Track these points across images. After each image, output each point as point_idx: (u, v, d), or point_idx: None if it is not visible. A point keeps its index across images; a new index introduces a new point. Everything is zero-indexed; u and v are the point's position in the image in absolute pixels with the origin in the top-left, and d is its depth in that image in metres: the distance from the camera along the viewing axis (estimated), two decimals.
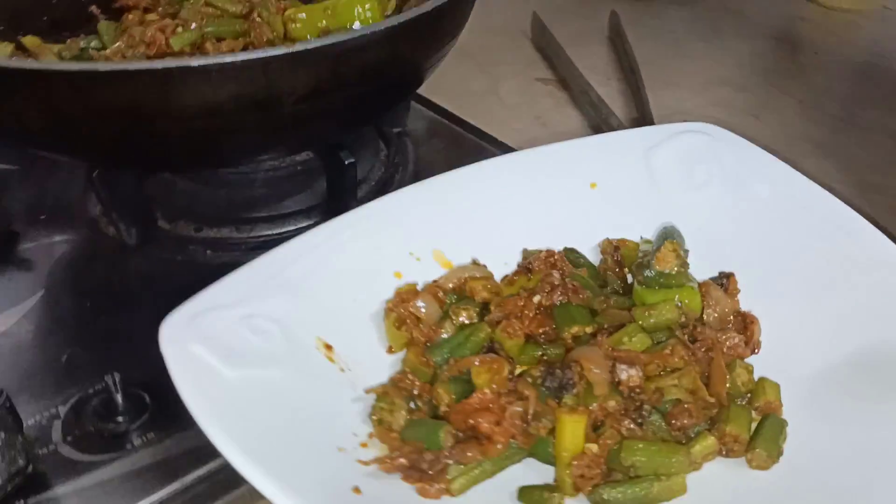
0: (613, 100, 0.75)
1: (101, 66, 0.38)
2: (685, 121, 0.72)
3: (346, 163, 0.52)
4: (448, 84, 0.79)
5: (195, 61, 0.39)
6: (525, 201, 0.45)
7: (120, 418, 0.43)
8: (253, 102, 0.42)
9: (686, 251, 0.42)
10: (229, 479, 0.41)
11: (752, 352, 0.39)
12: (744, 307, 0.41)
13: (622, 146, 0.46)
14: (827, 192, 0.41)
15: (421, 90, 0.74)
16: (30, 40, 0.57)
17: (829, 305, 0.38)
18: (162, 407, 0.44)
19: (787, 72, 0.83)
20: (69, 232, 0.58)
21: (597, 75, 0.80)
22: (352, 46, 0.42)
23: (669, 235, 0.42)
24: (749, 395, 0.37)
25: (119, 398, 0.43)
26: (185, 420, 0.42)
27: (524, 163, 0.46)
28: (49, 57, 0.56)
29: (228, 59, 0.39)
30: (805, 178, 0.42)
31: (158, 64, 0.39)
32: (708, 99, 0.78)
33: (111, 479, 0.41)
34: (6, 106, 0.41)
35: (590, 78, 0.79)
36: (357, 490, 0.32)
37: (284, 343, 0.36)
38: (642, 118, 0.70)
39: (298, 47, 0.40)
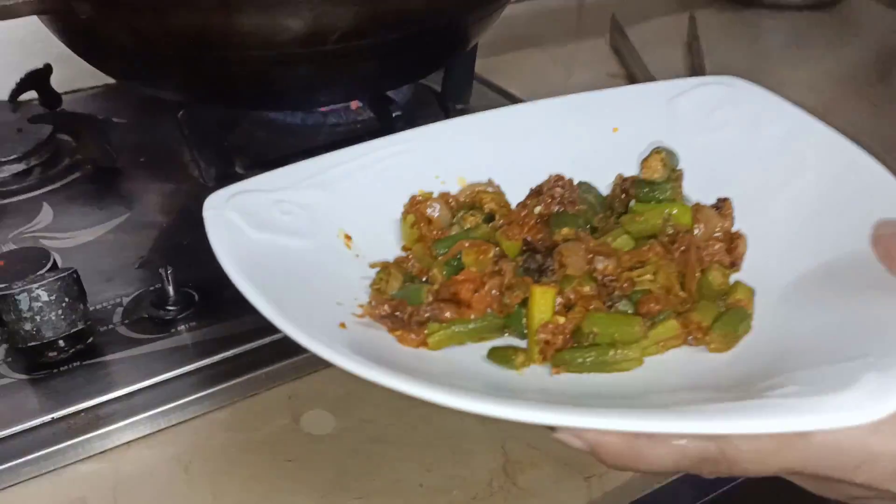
0: None
1: None
2: None
3: (394, 115, 0.58)
4: (520, 74, 0.84)
5: None
6: (549, 142, 0.48)
7: (170, 308, 0.50)
8: (299, 35, 0.48)
9: (679, 169, 0.44)
10: (250, 362, 0.48)
11: (733, 265, 0.40)
12: (737, 229, 0.42)
13: (647, 95, 0.48)
14: (833, 130, 0.42)
15: (492, 76, 0.80)
16: None
17: (815, 226, 0.39)
18: (207, 304, 0.51)
19: (886, 87, 0.82)
20: (160, 172, 0.66)
21: (667, 74, 0.82)
22: None
23: (659, 149, 0.44)
24: (724, 297, 0.39)
25: (171, 290, 0.50)
26: (221, 315, 0.50)
27: (552, 108, 0.49)
28: None
29: None
30: (815, 119, 0.43)
31: None
32: None
33: (154, 353, 0.48)
34: (103, 30, 0.49)
35: (658, 77, 0.81)
36: (343, 325, 0.36)
37: (308, 224, 0.41)
38: None
39: None
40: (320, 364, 0.46)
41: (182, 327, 0.50)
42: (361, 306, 0.39)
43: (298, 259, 0.39)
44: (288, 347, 0.47)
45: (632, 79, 0.81)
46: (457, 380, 0.35)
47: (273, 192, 0.42)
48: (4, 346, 0.47)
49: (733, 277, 0.40)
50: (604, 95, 0.50)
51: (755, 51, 0.90)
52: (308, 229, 0.41)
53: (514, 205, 0.46)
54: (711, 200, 0.44)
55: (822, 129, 0.43)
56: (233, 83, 0.52)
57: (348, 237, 0.43)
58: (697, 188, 0.45)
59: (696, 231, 0.41)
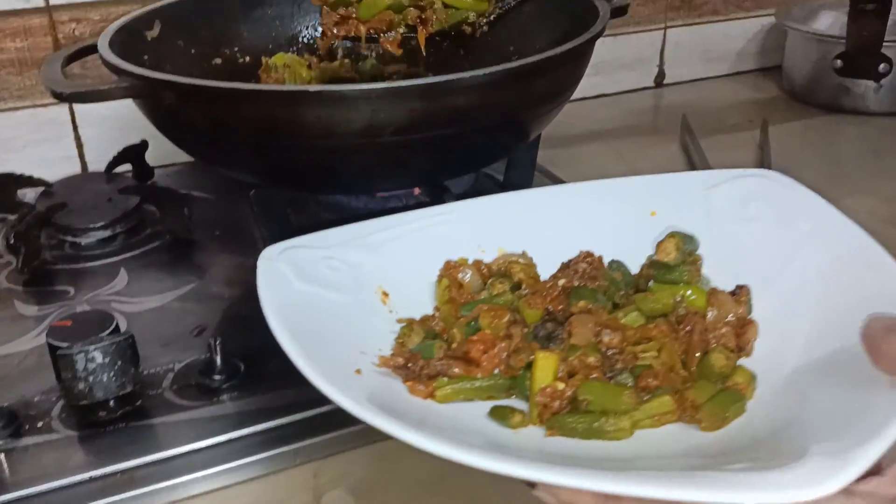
0: None
1: (243, 86, 0.50)
2: None
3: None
4: (584, 167, 0.86)
5: (312, 88, 0.49)
6: (588, 221, 0.50)
7: (216, 377, 0.53)
8: (358, 127, 0.51)
9: (697, 255, 0.46)
10: (281, 436, 0.49)
11: (741, 349, 0.41)
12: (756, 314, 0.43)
13: (686, 183, 0.50)
14: (860, 229, 0.43)
15: (556, 168, 0.82)
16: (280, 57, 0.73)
17: (830, 318, 0.39)
18: (251, 375, 0.53)
19: None
20: (231, 246, 0.70)
21: None
22: (440, 90, 0.50)
23: (674, 233, 0.46)
24: (724, 379, 0.39)
25: (218, 360, 0.53)
26: (264, 387, 0.52)
27: (594, 189, 0.52)
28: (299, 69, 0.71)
29: (336, 88, 0.49)
30: (843, 215, 0.44)
31: (286, 88, 0.50)
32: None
33: (194, 420, 0.50)
34: (183, 115, 0.54)
35: None
36: (358, 371, 0.39)
37: (350, 280, 0.44)
38: None
39: (395, 84, 0.49)
40: (347, 444, 0.48)
41: (225, 396, 0.52)
42: (381, 357, 0.42)
43: (335, 310, 0.42)
44: (319, 425, 0.49)
45: None
46: (454, 432, 0.37)
47: (323, 249, 0.46)
48: (61, 402, 0.50)
49: (745, 362, 0.41)
50: (645, 181, 0.52)
51: (830, 157, 0.89)
52: (349, 285, 0.44)
53: (546, 277, 0.48)
54: (732, 283, 0.45)
55: (851, 227, 0.43)
56: (297, 168, 0.56)
57: (385, 294, 0.46)
58: (726, 274, 0.46)
59: (709, 314, 0.42)
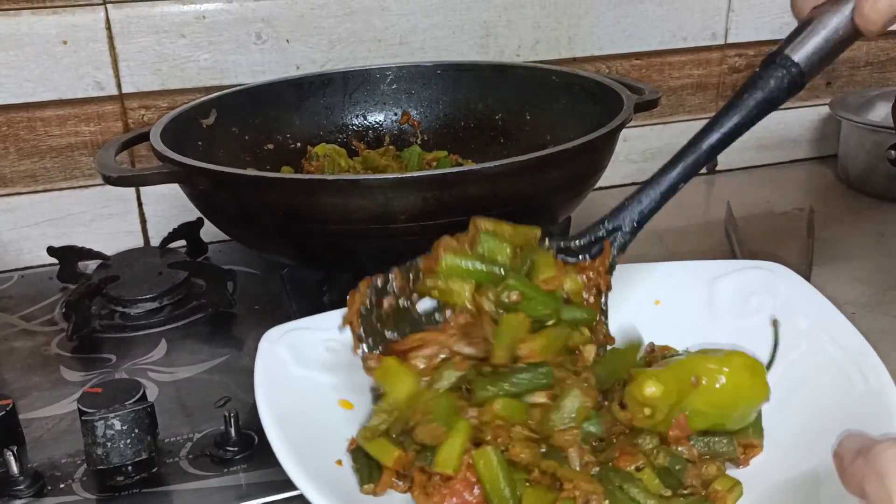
0: None
1: (267, 175, 0.53)
2: (853, 312, 0.71)
3: None
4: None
5: (330, 177, 0.52)
6: None
7: (229, 448, 0.55)
8: (372, 213, 0.54)
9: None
10: None
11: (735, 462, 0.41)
12: None
13: (692, 273, 0.50)
14: (855, 330, 0.42)
15: None
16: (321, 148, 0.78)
17: (816, 428, 0.38)
18: (265, 447, 0.54)
19: None
20: (268, 319, 0.73)
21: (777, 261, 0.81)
22: (451, 180, 0.53)
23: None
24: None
25: (232, 432, 0.55)
26: (276, 460, 0.53)
27: None
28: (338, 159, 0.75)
29: (351, 177, 0.52)
30: (843, 316, 0.43)
31: (305, 176, 0.53)
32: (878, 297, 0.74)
33: (206, 489, 0.52)
34: (216, 199, 0.58)
35: None
36: (339, 462, 0.40)
37: (347, 361, 0.46)
38: None
39: (403, 175, 0.52)
40: None
41: (237, 468, 0.54)
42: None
43: (326, 393, 0.44)
44: None
45: None
46: None
47: (323, 332, 0.47)
48: (84, 466, 0.53)
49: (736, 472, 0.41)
50: (651, 268, 0.52)
51: (881, 246, 0.86)
52: (344, 366, 0.46)
53: None
54: None
55: (840, 320, 0.43)
56: (318, 250, 0.59)
57: None
58: None
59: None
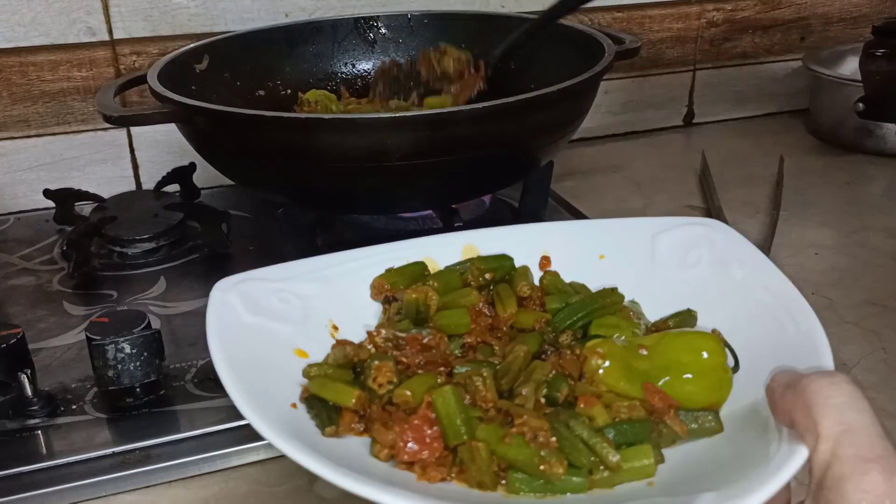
0: (750, 229, 0.80)
1: (266, 114, 0.56)
2: (816, 253, 0.75)
3: (455, 225, 0.65)
4: (601, 198, 0.90)
5: (327, 116, 0.55)
6: (539, 262, 0.52)
7: None
8: (368, 151, 0.56)
9: (640, 314, 0.48)
10: None
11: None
12: None
13: (635, 229, 0.52)
14: (786, 278, 0.44)
15: (574, 198, 0.86)
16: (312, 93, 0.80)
17: (756, 367, 0.40)
18: None
19: None
20: (263, 260, 0.75)
21: (746, 209, 0.85)
22: (440, 120, 0.55)
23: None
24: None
25: None
26: None
27: (549, 231, 0.53)
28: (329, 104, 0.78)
29: (348, 116, 0.54)
30: (774, 265, 0.46)
31: (303, 115, 0.56)
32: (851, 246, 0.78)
33: (210, 409, 0.56)
34: (216, 138, 0.60)
35: (739, 211, 0.84)
36: (294, 405, 0.40)
37: (301, 312, 0.46)
38: (763, 244, 0.74)
39: (397, 114, 0.55)
40: None
41: None
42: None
43: (281, 342, 0.43)
44: None
45: (707, 213, 0.84)
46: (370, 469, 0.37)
47: (276, 282, 0.46)
48: (94, 389, 0.57)
49: None
50: (596, 224, 0.55)
51: (846, 195, 0.91)
52: (299, 317, 0.45)
53: None
54: None
55: (773, 271, 0.46)
56: (314, 189, 0.61)
57: (335, 327, 0.47)
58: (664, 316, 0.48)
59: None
